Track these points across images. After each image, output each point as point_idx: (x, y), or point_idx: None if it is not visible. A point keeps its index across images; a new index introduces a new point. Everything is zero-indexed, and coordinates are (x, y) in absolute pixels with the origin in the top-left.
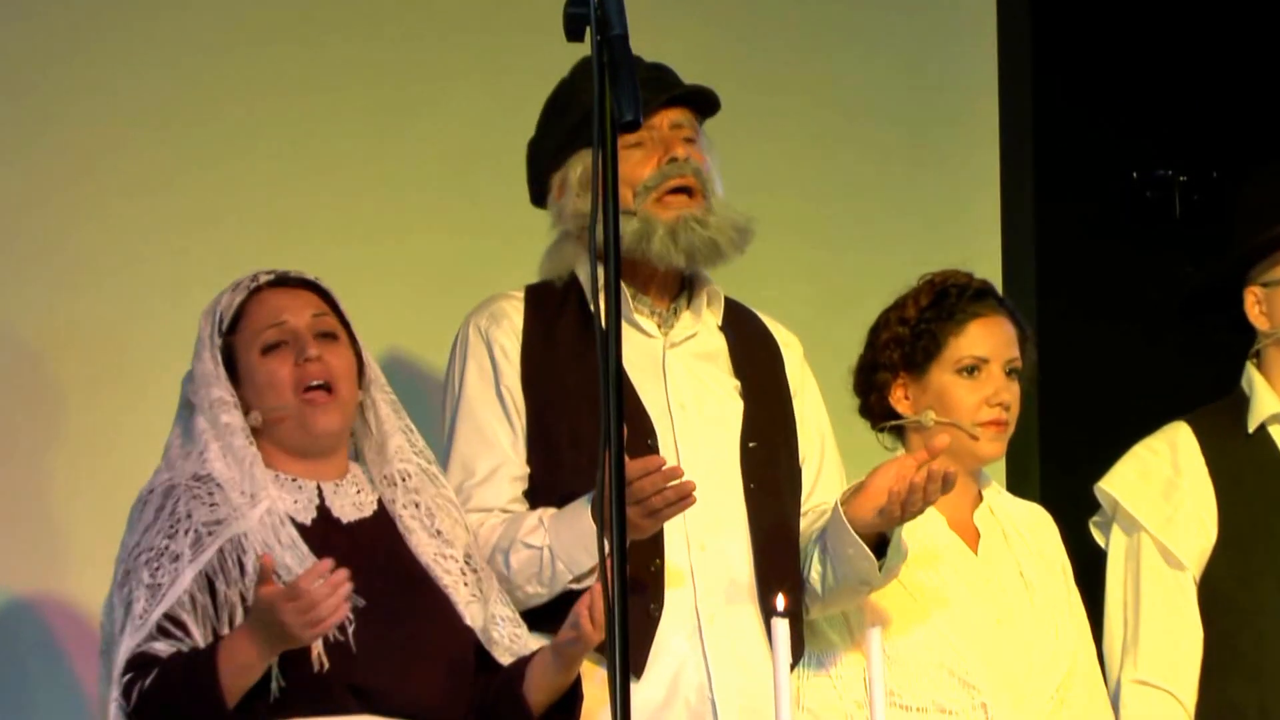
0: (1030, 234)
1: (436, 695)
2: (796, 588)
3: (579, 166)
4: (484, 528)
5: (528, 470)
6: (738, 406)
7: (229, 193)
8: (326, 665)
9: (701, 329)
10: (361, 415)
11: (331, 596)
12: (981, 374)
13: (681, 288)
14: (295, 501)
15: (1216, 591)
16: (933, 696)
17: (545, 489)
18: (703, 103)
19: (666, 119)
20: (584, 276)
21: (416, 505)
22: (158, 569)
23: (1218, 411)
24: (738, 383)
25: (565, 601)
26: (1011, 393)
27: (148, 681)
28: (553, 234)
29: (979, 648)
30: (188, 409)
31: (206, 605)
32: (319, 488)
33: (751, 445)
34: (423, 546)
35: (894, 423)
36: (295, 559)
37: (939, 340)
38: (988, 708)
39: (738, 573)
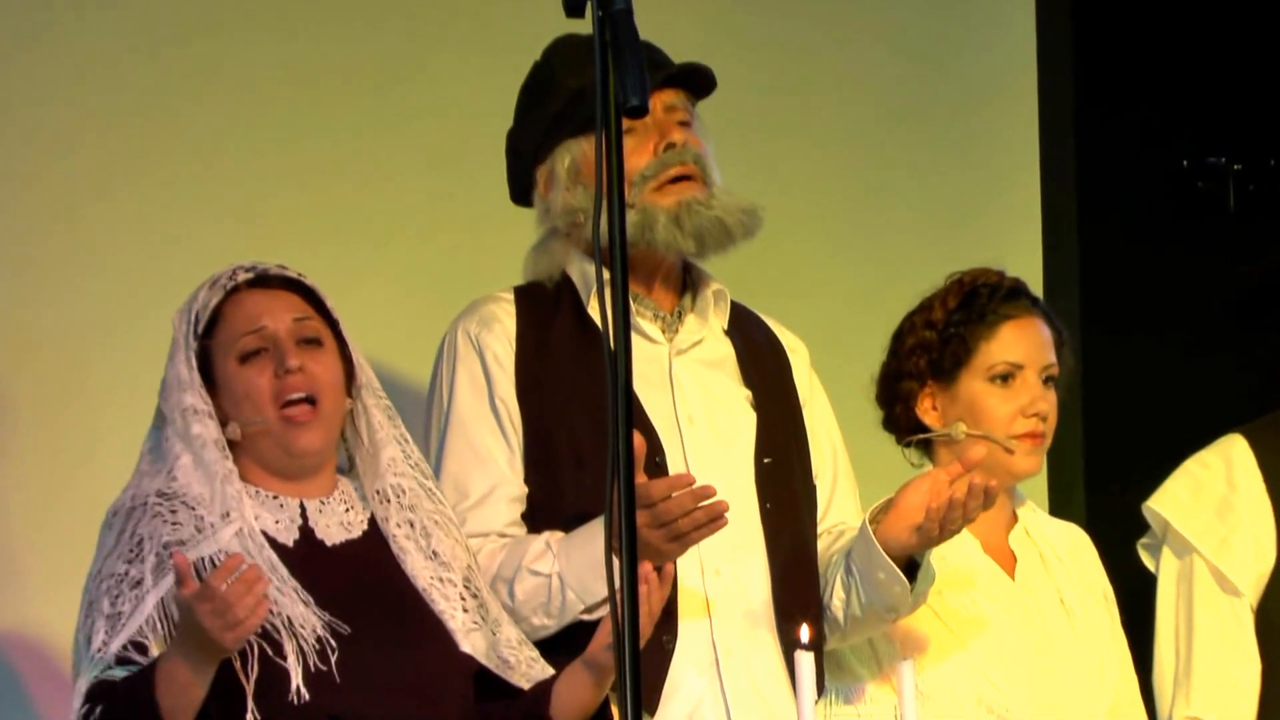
0: (1072, 229)
1: None
2: (818, 616)
3: (566, 157)
4: (482, 554)
5: (525, 490)
6: (750, 419)
7: (199, 193)
8: (307, 696)
9: (708, 334)
10: (352, 423)
11: (247, 595)
12: (1016, 382)
13: (684, 289)
14: (276, 521)
15: (1275, 620)
16: None
17: (545, 511)
18: (698, 82)
19: (660, 101)
20: (577, 276)
21: (411, 524)
22: (118, 597)
23: (1277, 423)
24: (748, 392)
25: (571, 634)
26: (1049, 402)
27: (98, 712)
28: (537, 231)
29: (1018, 681)
30: (160, 418)
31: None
32: (302, 506)
33: (766, 461)
34: (418, 569)
35: (921, 436)
36: (275, 584)
37: (969, 345)
38: None
39: (755, 600)
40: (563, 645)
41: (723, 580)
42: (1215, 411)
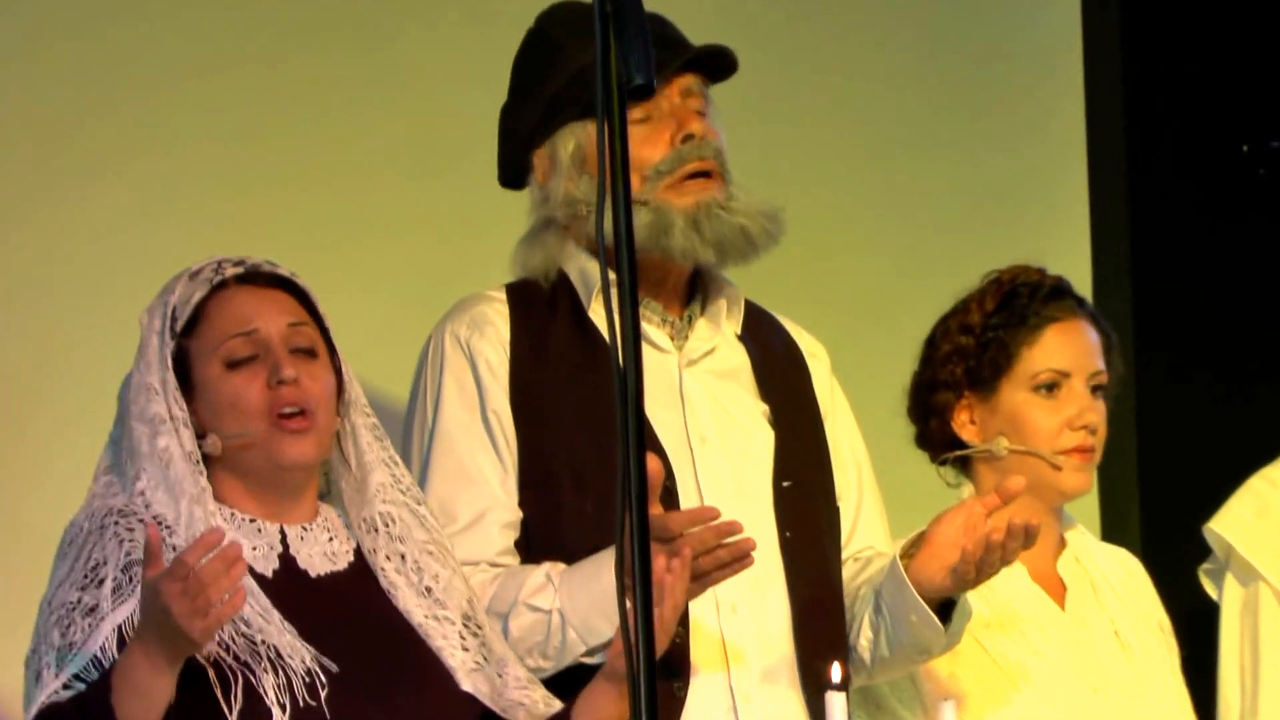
0: (1123, 223)
1: None
2: (844, 654)
3: (571, 141)
4: (471, 584)
5: (520, 515)
6: (767, 437)
7: (161, 187)
8: None
9: (720, 341)
10: (338, 445)
11: (224, 576)
12: (1061, 391)
13: (693, 289)
14: (253, 548)
15: None
16: None
17: (541, 539)
18: (719, 66)
19: (676, 86)
20: (576, 275)
21: (402, 557)
22: (69, 626)
23: None
24: (765, 407)
25: (566, 677)
26: (1098, 413)
27: None
28: (528, 220)
29: None
30: (122, 427)
31: None
32: (282, 532)
33: (786, 485)
34: (411, 605)
35: (958, 454)
36: (256, 609)
37: (1009, 351)
38: None
39: (776, 639)
40: (557, 689)
41: (740, 619)
42: None
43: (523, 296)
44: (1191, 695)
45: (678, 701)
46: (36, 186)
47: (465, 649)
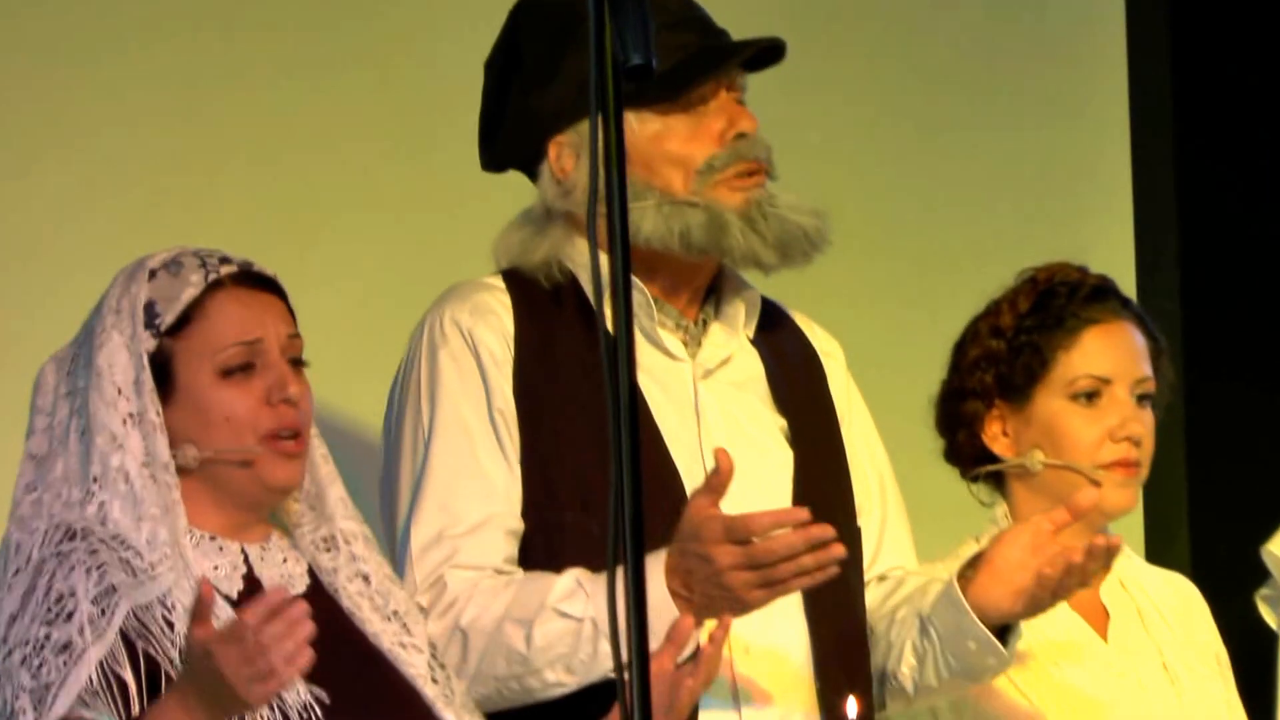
0: (1171, 216)
1: None
2: (867, 689)
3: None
4: (478, 591)
5: (522, 526)
6: (785, 457)
7: (103, 170)
8: None
9: (736, 349)
10: None
11: (287, 639)
12: (1102, 399)
13: (706, 293)
14: (215, 568)
15: None
16: None
17: (542, 561)
18: (767, 62)
19: (724, 79)
20: (586, 277)
21: (365, 579)
22: (40, 666)
23: None
24: (782, 422)
25: (581, 698)
26: (1143, 424)
27: None
28: (525, 206)
29: None
30: (77, 419)
31: (130, 682)
32: (243, 551)
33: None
34: (378, 629)
35: (990, 469)
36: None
37: (1045, 356)
38: None
39: (794, 679)
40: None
41: (753, 660)
42: None
43: (525, 289)
44: None
45: None
46: None
47: (435, 681)
